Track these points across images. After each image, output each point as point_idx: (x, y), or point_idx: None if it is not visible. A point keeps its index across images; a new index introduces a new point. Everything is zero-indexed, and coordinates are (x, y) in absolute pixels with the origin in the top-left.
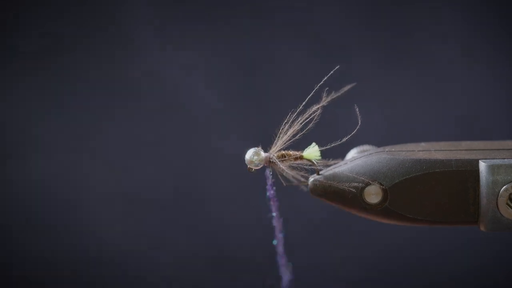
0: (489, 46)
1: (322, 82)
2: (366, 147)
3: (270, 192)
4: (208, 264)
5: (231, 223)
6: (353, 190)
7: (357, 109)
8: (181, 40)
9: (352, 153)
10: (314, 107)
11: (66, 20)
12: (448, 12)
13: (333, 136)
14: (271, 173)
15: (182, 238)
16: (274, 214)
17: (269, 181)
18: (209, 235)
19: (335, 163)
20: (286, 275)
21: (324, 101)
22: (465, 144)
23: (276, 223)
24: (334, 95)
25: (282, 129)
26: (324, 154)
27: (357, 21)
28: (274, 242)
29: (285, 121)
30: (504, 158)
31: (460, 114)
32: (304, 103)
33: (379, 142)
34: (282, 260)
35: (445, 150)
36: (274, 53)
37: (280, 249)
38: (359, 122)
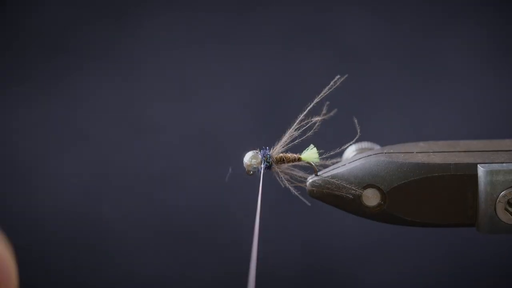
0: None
1: (322, 94)
2: (364, 144)
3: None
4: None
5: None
6: (352, 192)
7: (355, 121)
8: (192, 48)
9: (350, 151)
10: (314, 119)
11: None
12: (466, 23)
13: (332, 137)
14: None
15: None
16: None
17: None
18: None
19: (333, 164)
20: None
21: (325, 115)
22: (463, 144)
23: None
24: (333, 111)
25: (283, 134)
26: (322, 154)
27: (372, 27)
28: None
29: (288, 128)
30: (502, 163)
31: (471, 121)
32: (304, 112)
33: (383, 142)
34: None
35: (444, 151)
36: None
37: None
38: (358, 133)
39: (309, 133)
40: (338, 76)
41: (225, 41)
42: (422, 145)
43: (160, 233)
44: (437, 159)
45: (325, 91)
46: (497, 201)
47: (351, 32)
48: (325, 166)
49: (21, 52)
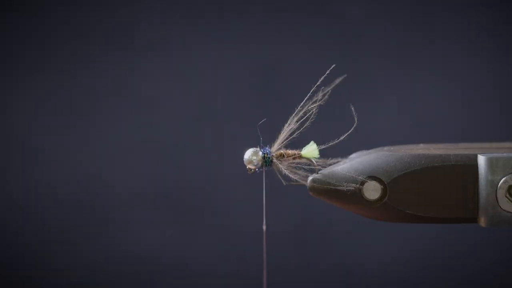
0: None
1: (319, 83)
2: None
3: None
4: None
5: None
6: (352, 185)
7: (352, 108)
8: (185, 40)
9: (354, 156)
10: (310, 106)
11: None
12: (459, 13)
13: (334, 136)
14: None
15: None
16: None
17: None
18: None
19: (334, 162)
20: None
21: (320, 100)
22: (463, 144)
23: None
24: (327, 90)
25: (282, 129)
26: (323, 153)
27: (364, 20)
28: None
29: (286, 123)
30: (502, 153)
31: (465, 115)
32: (302, 103)
33: (383, 142)
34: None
35: (444, 148)
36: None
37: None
38: (356, 121)
39: (307, 124)
40: (334, 65)
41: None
42: (422, 146)
43: (158, 207)
44: (437, 152)
45: (321, 79)
46: (498, 187)
47: (351, 29)
48: (326, 163)
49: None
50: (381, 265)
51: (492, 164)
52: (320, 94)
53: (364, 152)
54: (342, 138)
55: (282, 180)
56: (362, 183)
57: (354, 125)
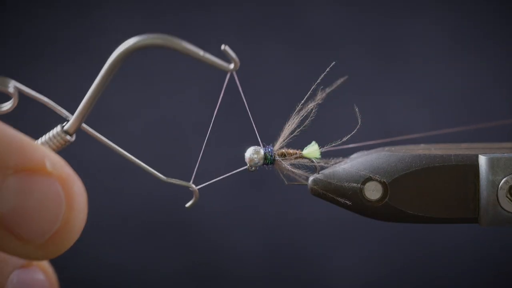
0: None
1: (319, 80)
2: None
3: None
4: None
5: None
6: (354, 185)
7: (356, 109)
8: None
9: (354, 156)
10: (310, 105)
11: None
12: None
13: (334, 135)
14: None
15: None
16: None
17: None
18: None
19: (335, 162)
20: None
21: (319, 99)
22: (464, 144)
23: None
24: (328, 90)
25: (284, 128)
26: (324, 153)
27: (365, 20)
28: None
29: (287, 122)
30: (503, 153)
31: (466, 115)
32: (302, 101)
33: (378, 143)
34: None
35: (445, 149)
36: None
37: None
38: (359, 122)
39: (307, 122)
40: (334, 63)
41: (190, 31)
42: (423, 146)
43: (121, 222)
44: (438, 152)
45: (321, 77)
46: (499, 187)
47: (353, 30)
48: (327, 163)
49: None
50: (381, 265)
51: (493, 164)
52: (319, 94)
53: (365, 152)
54: (345, 139)
55: (284, 180)
56: (363, 183)
57: (358, 126)
